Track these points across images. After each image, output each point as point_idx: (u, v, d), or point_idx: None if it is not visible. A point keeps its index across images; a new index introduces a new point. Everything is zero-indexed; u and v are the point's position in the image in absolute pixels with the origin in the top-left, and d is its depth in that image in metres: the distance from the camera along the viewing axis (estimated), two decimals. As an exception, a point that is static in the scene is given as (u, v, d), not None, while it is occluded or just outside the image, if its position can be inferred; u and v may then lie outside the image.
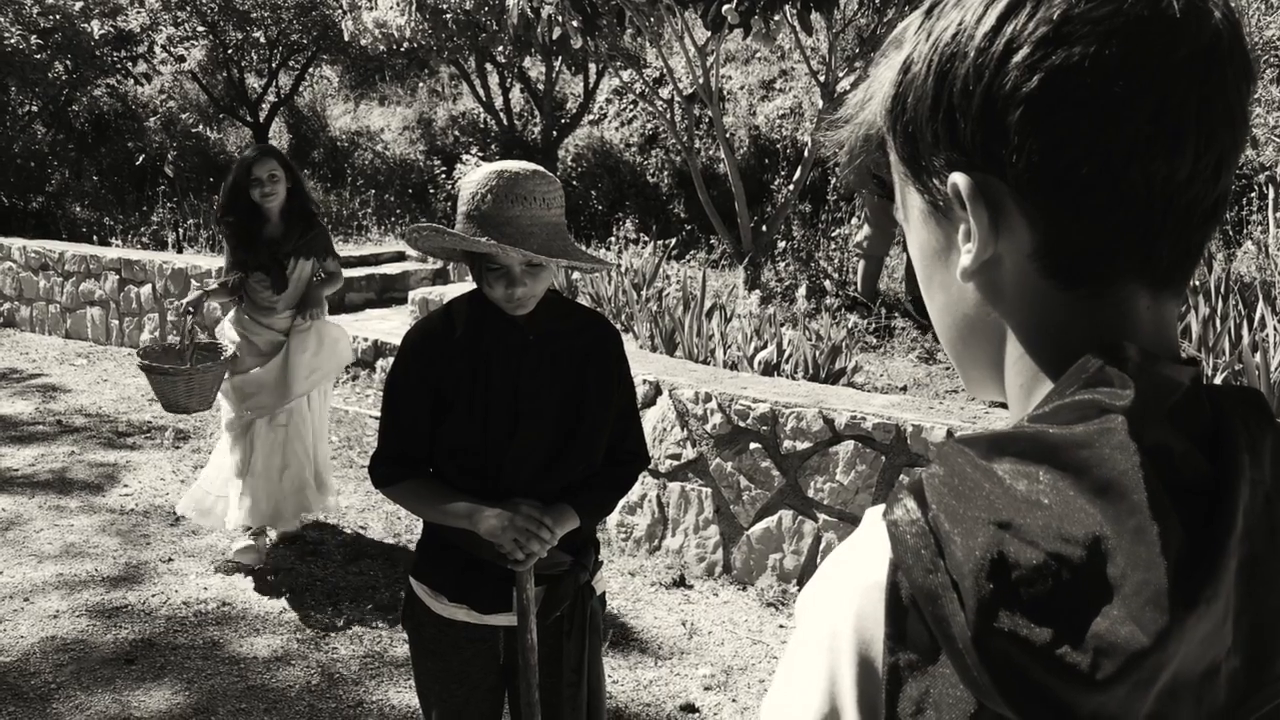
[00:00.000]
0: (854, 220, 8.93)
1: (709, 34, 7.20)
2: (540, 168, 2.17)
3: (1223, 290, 5.52)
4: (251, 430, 4.76)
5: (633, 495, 4.84)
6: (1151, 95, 0.62)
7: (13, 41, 11.05)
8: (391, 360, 7.26)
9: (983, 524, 0.60)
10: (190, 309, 4.66)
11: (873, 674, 0.65)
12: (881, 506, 0.67)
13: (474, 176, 2.15)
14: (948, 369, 5.76)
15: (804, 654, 0.69)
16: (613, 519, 4.90)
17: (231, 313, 4.84)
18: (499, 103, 13.37)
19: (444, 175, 12.74)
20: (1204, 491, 0.62)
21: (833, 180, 10.34)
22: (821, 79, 7.74)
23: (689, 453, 4.66)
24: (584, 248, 9.10)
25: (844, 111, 0.79)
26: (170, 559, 4.85)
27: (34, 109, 12.19)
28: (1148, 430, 0.61)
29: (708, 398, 4.57)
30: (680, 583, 4.58)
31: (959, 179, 0.67)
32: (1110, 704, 0.57)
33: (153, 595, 4.46)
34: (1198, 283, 5.49)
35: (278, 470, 4.76)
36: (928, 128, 0.69)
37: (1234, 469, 0.63)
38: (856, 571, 0.67)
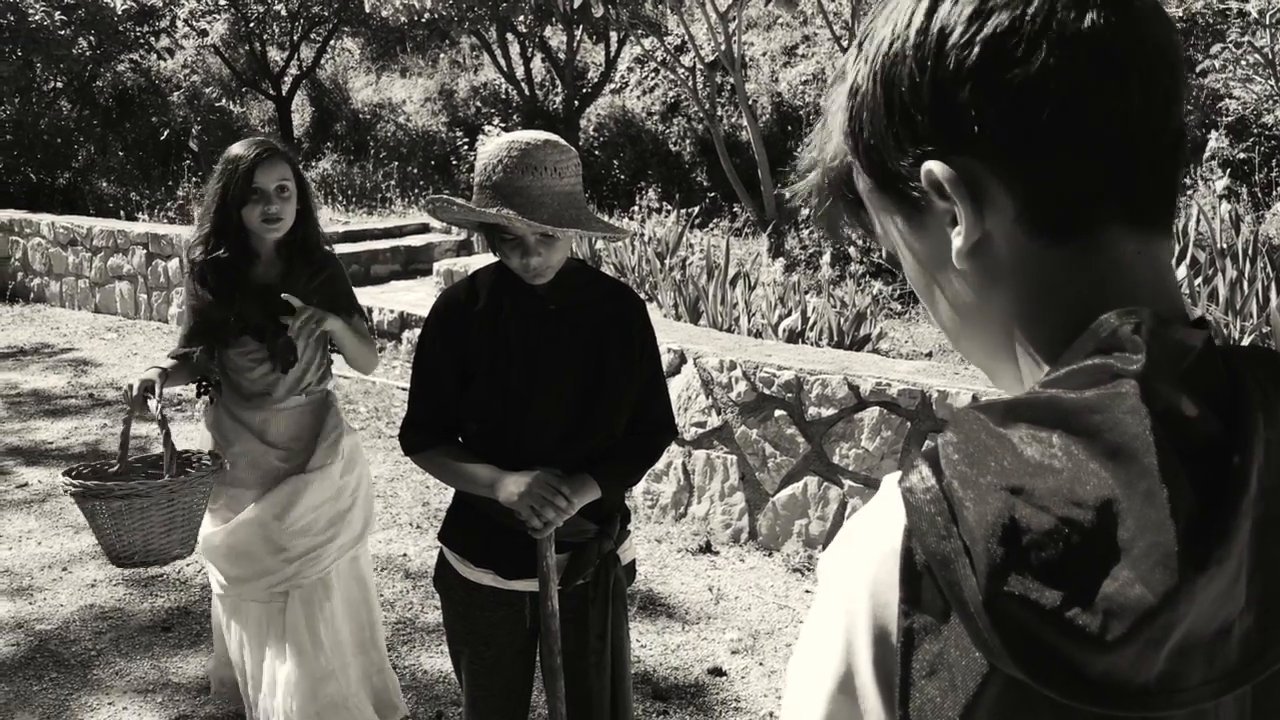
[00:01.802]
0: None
1: (730, 0, 7.16)
2: (554, 137, 2.18)
3: (1250, 253, 5.48)
4: (245, 615, 3.15)
5: (659, 463, 4.88)
6: (1084, 42, 0.65)
7: (37, 18, 11.10)
8: (417, 332, 7.31)
9: (995, 489, 0.61)
10: (146, 393, 2.92)
11: (888, 638, 0.66)
12: (898, 474, 0.68)
13: (488, 148, 2.17)
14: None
15: (823, 618, 0.71)
16: (639, 486, 4.94)
17: (206, 414, 3.27)
18: (520, 73, 13.34)
19: (466, 146, 12.75)
20: (1218, 454, 0.62)
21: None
22: (844, 44, 7.69)
23: (714, 420, 4.68)
24: (605, 217, 9.08)
25: (808, 157, 0.81)
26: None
27: (59, 85, 12.26)
28: (1160, 394, 0.62)
29: (732, 365, 4.59)
30: (706, 549, 4.62)
31: (933, 166, 0.68)
32: (1121, 664, 0.58)
33: (187, 564, 4.53)
34: (1225, 245, 5.45)
35: (294, 684, 3.07)
36: (888, 134, 0.71)
37: (1248, 430, 0.63)
38: (873, 538, 0.68)
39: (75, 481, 2.85)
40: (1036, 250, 0.69)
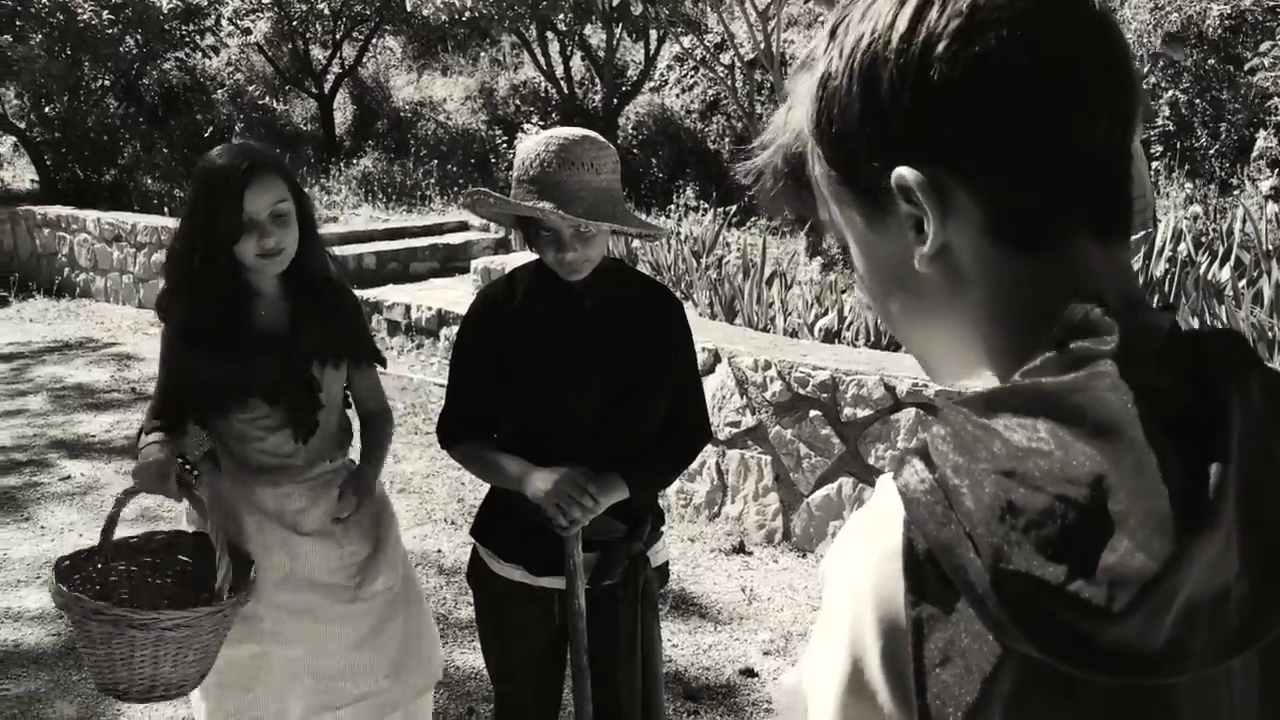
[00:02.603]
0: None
1: (770, -2, 7.14)
2: (592, 133, 2.18)
3: (1299, 254, 5.38)
4: None
5: (693, 463, 4.87)
6: (1061, 69, 0.69)
7: (85, 17, 11.26)
8: (454, 329, 7.34)
9: (989, 475, 0.63)
10: (184, 476, 2.36)
11: (896, 631, 0.67)
12: (892, 473, 0.69)
13: (526, 143, 2.18)
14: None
15: (830, 618, 0.72)
16: (672, 486, 4.93)
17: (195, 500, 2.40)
18: (560, 71, 13.36)
19: (505, 145, 12.79)
20: (1198, 424, 0.65)
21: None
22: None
23: (748, 420, 4.66)
24: (643, 215, 9.06)
25: (763, 138, 0.82)
26: (241, 523, 4.97)
27: (106, 83, 12.42)
28: (1137, 371, 0.65)
29: (767, 365, 4.57)
30: (740, 549, 4.60)
31: (905, 173, 0.70)
32: (1129, 633, 0.60)
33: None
34: (1271, 247, 5.36)
35: None
36: (860, 134, 0.73)
37: (1225, 401, 0.66)
38: (874, 536, 0.69)
39: (80, 597, 2.15)
40: (1003, 258, 0.71)
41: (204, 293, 2.34)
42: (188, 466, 2.41)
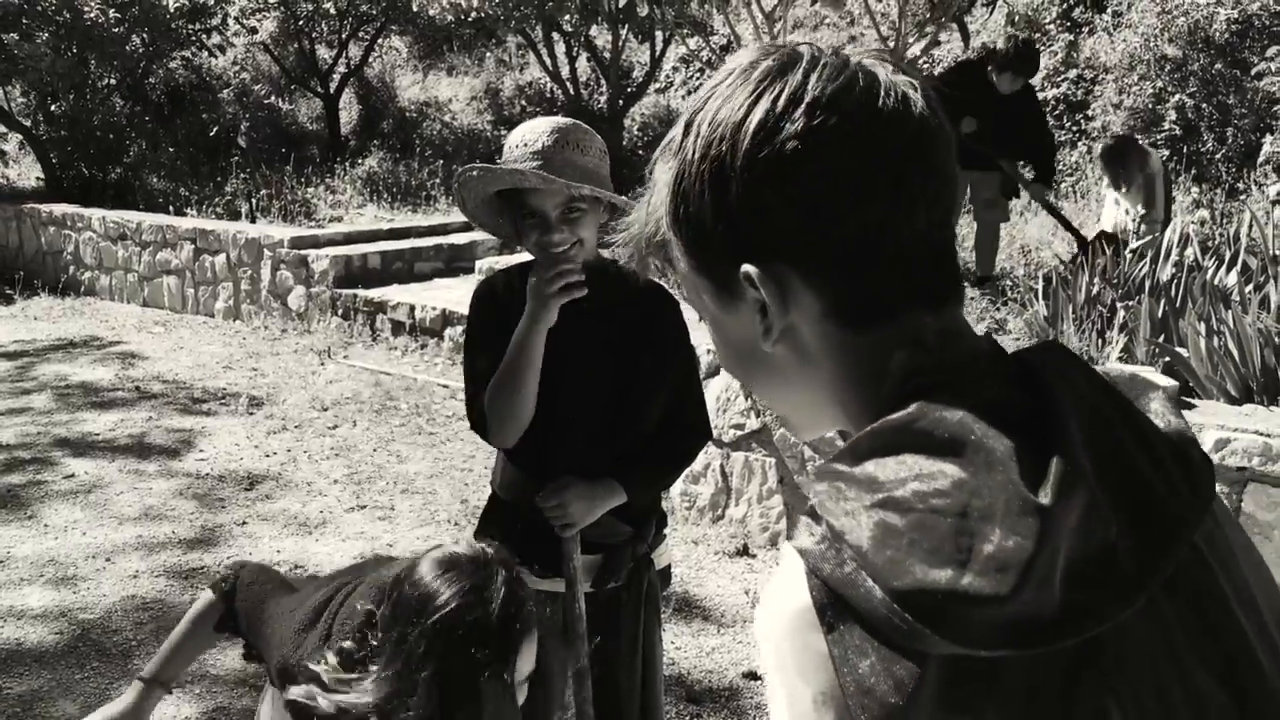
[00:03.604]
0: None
1: (777, 1, 7.13)
2: (579, 122, 2.20)
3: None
4: None
5: (696, 465, 4.86)
6: (888, 175, 0.77)
7: (92, 15, 11.27)
8: (459, 329, 7.34)
9: (865, 510, 0.71)
10: None
11: (823, 670, 0.72)
12: (789, 538, 0.77)
13: (516, 130, 2.18)
14: (1018, 340, 5.67)
15: (768, 681, 0.78)
16: (676, 488, 4.92)
17: None
18: (565, 72, 13.36)
19: (511, 145, 12.78)
20: (1034, 420, 0.73)
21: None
22: (891, 44, 7.63)
23: (752, 422, 4.65)
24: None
25: (634, 214, 0.89)
26: (244, 522, 4.97)
27: (112, 82, 12.43)
28: (966, 389, 0.74)
29: (772, 367, 4.56)
30: (744, 552, 4.59)
31: (749, 269, 0.79)
32: (1025, 608, 0.66)
33: (228, 557, 4.57)
34: (1277, 252, 5.34)
35: None
36: (712, 232, 0.80)
37: (1053, 394, 0.75)
38: (786, 599, 0.75)
39: None
40: (844, 336, 0.80)
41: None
42: None
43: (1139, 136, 7.60)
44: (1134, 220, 6.81)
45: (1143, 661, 0.72)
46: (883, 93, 0.77)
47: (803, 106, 0.76)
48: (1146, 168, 6.80)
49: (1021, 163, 7.37)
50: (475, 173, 2.12)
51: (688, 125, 0.82)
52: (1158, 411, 0.80)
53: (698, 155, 0.79)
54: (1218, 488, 2.85)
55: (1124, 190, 6.82)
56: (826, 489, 0.74)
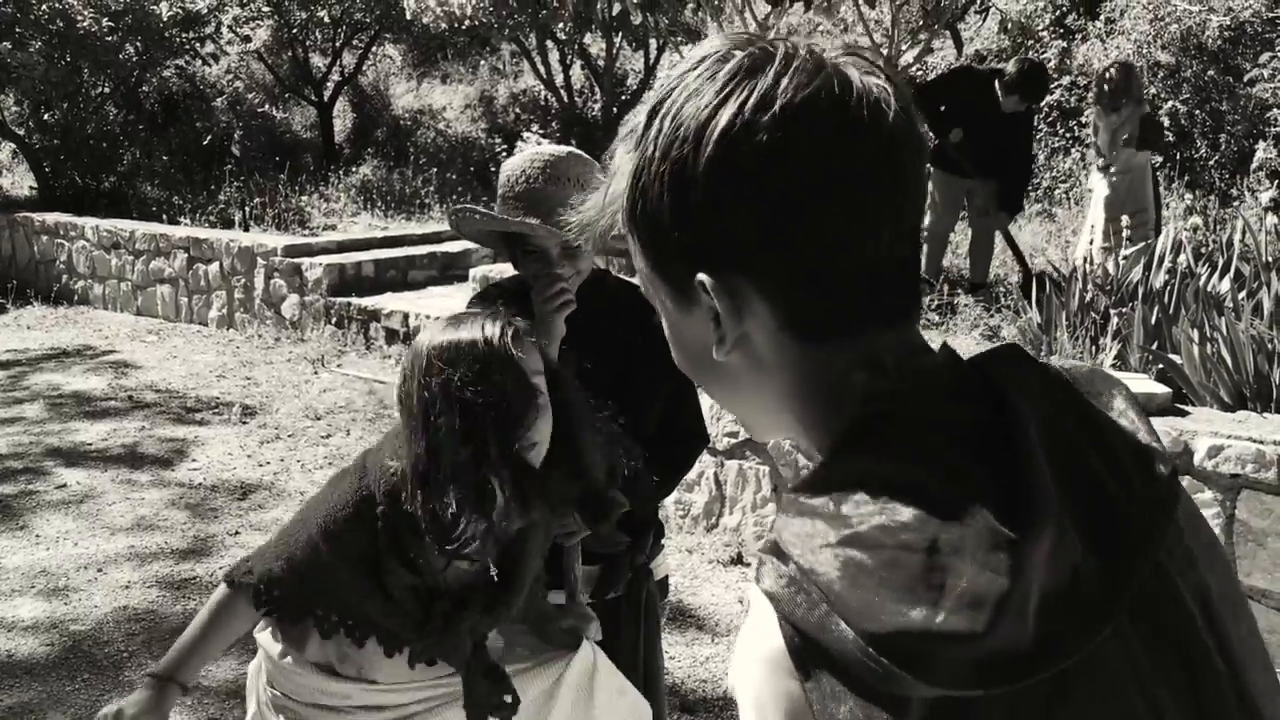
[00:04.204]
0: (917, 196, 8.80)
1: (770, 8, 7.14)
2: (577, 150, 2.19)
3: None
4: None
5: (690, 473, 4.85)
6: (850, 187, 0.74)
7: (85, 24, 11.25)
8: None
9: (833, 548, 0.69)
10: None
11: (805, 717, 0.70)
12: (756, 579, 0.75)
13: (512, 161, 2.17)
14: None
15: None
16: (670, 497, 4.91)
17: None
18: (560, 80, 13.36)
19: (505, 153, 12.77)
20: (997, 438, 0.72)
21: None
22: (885, 52, 7.63)
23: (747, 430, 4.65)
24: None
25: (593, 199, 0.86)
26: (237, 532, 4.95)
27: (106, 90, 12.41)
28: (927, 414, 0.73)
29: (766, 375, 4.56)
30: (738, 560, 4.58)
31: (703, 278, 0.76)
32: (1000, 643, 0.65)
33: (220, 568, 4.56)
34: (1271, 258, 5.35)
35: None
36: (669, 235, 0.78)
37: (1016, 413, 0.73)
38: (759, 646, 0.73)
39: None
40: (799, 348, 0.78)
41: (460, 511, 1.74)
42: None
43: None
44: (1109, 177, 6.77)
45: (1111, 691, 0.71)
46: (854, 100, 0.74)
47: (770, 114, 0.73)
48: (1140, 103, 6.80)
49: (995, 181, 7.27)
50: (478, 216, 2.13)
51: (651, 114, 0.79)
52: (1120, 410, 0.79)
53: (659, 153, 0.77)
54: (1209, 494, 2.84)
55: (1111, 115, 6.77)
56: (793, 523, 0.72)
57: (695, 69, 0.77)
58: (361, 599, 1.84)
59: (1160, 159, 8.79)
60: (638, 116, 0.81)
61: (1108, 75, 6.79)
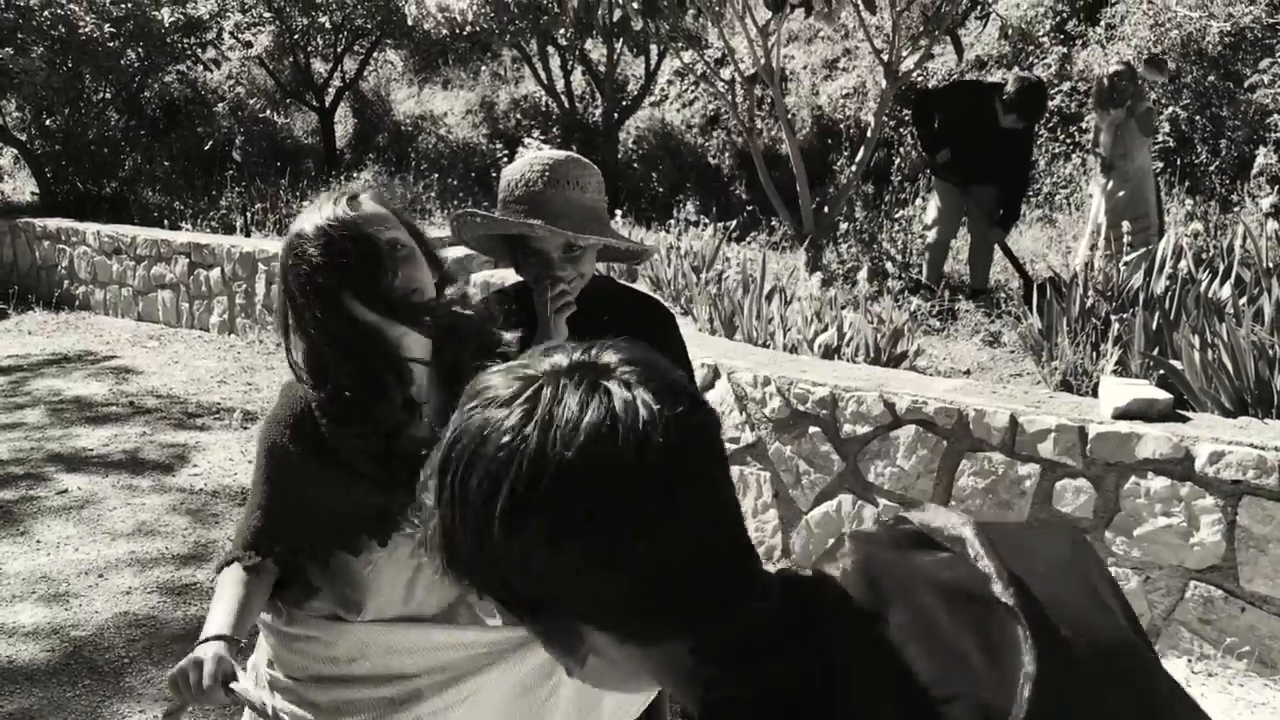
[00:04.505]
0: (918, 202, 8.82)
1: (771, 14, 7.14)
2: (575, 154, 2.20)
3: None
4: None
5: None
6: (636, 517, 0.77)
7: (87, 30, 11.27)
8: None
9: None
10: (227, 683, 1.71)
11: None
12: None
13: (512, 166, 2.19)
14: (1012, 353, 5.67)
15: None
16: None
17: (265, 653, 1.98)
18: (560, 85, 13.38)
19: (506, 158, 12.78)
20: (822, 693, 0.79)
21: (897, 160, 10.21)
22: (885, 58, 7.64)
23: (748, 436, 4.65)
24: (643, 230, 9.03)
25: (425, 525, 0.87)
26: (238, 538, 4.95)
27: (107, 96, 12.42)
28: (761, 693, 0.80)
29: (766, 381, 4.56)
30: (739, 566, 4.58)
31: (536, 628, 0.86)
32: None
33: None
34: (1271, 264, 5.35)
35: None
36: (496, 588, 0.84)
37: (838, 654, 0.80)
38: None
39: None
40: (646, 653, 0.84)
41: (354, 381, 1.78)
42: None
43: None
44: (1105, 187, 6.80)
45: None
46: (622, 432, 0.77)
47: (542, 484, 0.76)
48: (1143, 101, 6.84)
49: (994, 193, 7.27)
50: (479, 219, 2.13)
51: (444, 464, 0.83)
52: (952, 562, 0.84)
53: (459, 501, 0.81)
54: (1211, 500, 2.84)
55: (1113, 111, 6.79)
56: None
57: (480, 413, 0.82)
58: (327, 495, 1.83)
59: (1161, 164, 8.80)
60: (432, 464, 0.86)
61: (1112, 76, 6.84)
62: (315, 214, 1.80)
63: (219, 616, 1.81)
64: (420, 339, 1.84)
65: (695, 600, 0.81)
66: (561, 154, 2.19)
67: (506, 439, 0.78)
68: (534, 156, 2.17)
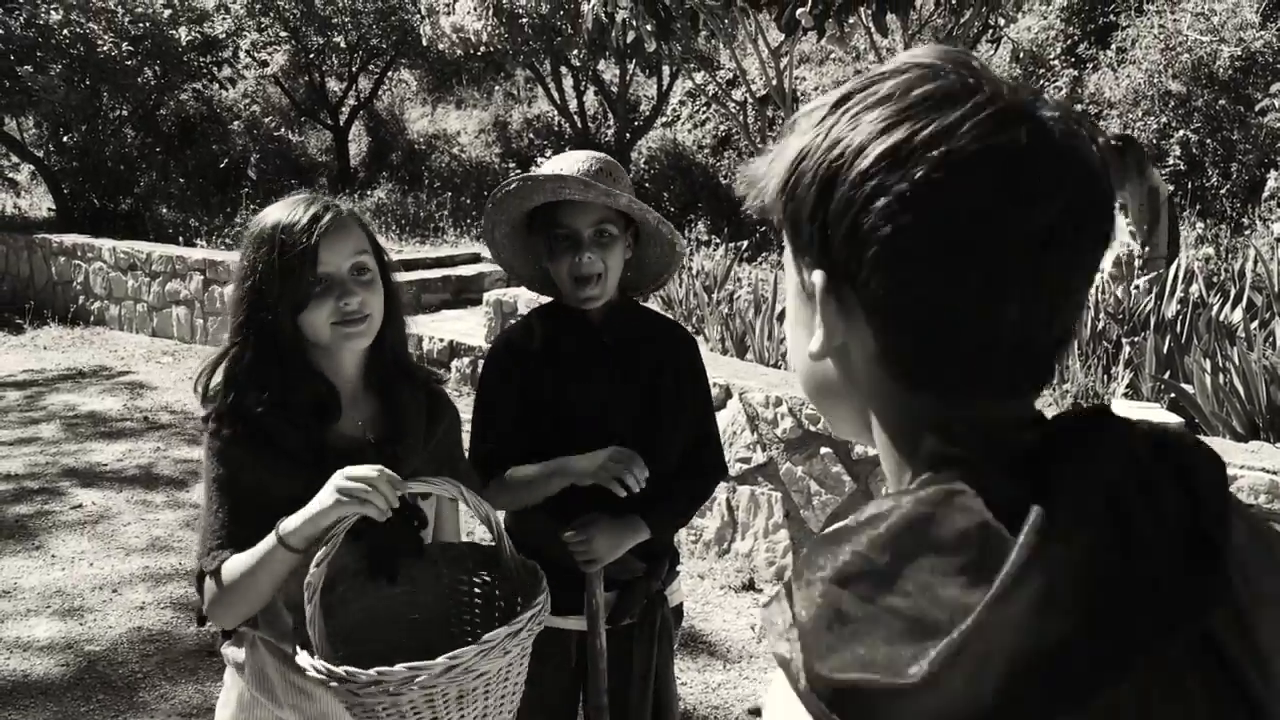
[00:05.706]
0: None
1: (783, 36, 7.19)
2: (610, 157, 2.26)
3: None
4: None
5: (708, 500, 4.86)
6: (990, 263, 0.69)
7: (105, 49, 11.39)
8: (466, 360, 7.36)
9: (821, 584, 0.70)
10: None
11: None
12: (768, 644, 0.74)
13: (548, 162, 2.23)
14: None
15: None
16: (683, 521, 4.92)
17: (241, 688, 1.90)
18: (573, 105, 13.46)
19: (518, 177, 12.85)
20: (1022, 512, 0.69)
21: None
22: (897, 81, 7.67)
23: (759, 456, 4.66)
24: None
25: (758, 163, 0.83)
26: (251, 554, 4.97)
27: (124, 113, 12.55)
28: (980, 489, 0.69)
29: (778, 401, 4.57)
30: (749, 586, 4.59)
31: (818, 277, 0.76)
32: (952, 703, 0.63)
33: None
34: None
35: None
36: (805, 228, 0.76)
37: (1049, 493, 0.68)
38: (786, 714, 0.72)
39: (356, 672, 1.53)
40: (888, 383, 0.76)
41: (265, 387, 1.78)
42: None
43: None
44: (1133, 239, 6.74)
45: None
46: (1037, 169, 0.69)
47: (934, 154, 0.69)
48: (1147, 177, 6.57)
49: None
50: (514, 185, 2.13)
51: (836, 105, 0.76)
52: (1200, 483, 0.72)
53: (825, 144, 0.74)
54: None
55: (1119, 189, 6.68)
56: (797, 577, 0.73)
57: (893, 76, 0.75)
58: (275, 481, 1.76)
59: (1172, 187, 8.81)
60: (826, 99, 0.78)
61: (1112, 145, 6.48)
62: (281, 211, 1.82)
63: (277, 530, 1.70)
64: (354, 352, 1.87)
65: (978, 370, 0.73)
66: (599, 153, 2.25)
67: (906, 113, 0.71)
68: (571, 152, 2.24)
